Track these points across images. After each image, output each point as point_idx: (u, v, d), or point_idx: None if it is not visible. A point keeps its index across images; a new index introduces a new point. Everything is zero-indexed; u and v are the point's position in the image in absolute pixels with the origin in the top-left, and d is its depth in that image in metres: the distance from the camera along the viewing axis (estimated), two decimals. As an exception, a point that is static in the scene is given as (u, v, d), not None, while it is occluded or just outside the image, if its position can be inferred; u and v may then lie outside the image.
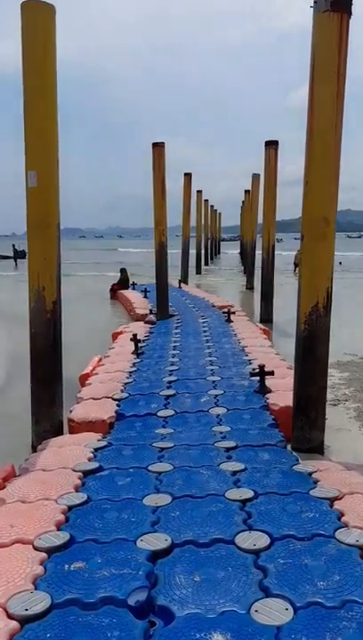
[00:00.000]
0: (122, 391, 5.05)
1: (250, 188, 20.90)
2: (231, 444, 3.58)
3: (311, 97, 3.55)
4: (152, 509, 2.65)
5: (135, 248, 64.93)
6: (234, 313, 9.50)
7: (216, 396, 4.77)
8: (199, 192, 25.05)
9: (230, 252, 47.36)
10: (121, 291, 15.13)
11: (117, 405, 4.67)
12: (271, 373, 4.86)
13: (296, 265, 26.77)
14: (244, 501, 2.70)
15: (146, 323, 9.18)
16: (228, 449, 3.50)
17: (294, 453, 3.55)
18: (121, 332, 8.51)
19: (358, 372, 6.78)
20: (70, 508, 2.69)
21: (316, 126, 3.57)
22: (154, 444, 3.61)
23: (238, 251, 41.92)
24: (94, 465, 3.23)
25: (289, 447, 3.99)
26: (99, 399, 4.88)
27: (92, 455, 3.44)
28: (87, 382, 5.52)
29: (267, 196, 10.82)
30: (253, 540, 2.32)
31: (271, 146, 10.70)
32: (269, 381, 4.90)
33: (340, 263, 34.57)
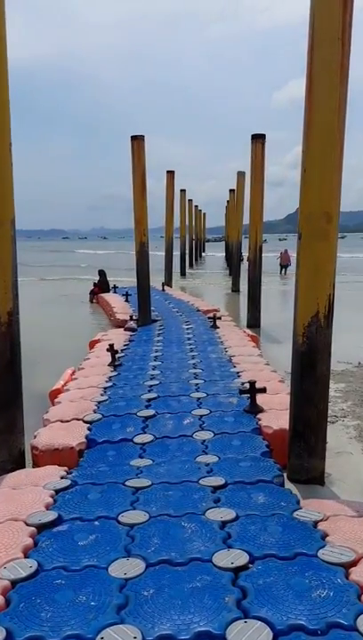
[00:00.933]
0: (95, 411, 4.45)
1: (235, 188, 20.45)
2: (219, 481, 3.01)
3: (310, 67, 3.01)
4: (120, 584, 2.06)
5: (93, 250, 64.93)
6: (220, 318, 8.94)
7: (201, 416, 4.20)
8: (183, 191, 24.50)
9: (215, 253, 46.89)
10: (101, 294, 14.49)
11: (89, 429, 4.07)
12: (263, 390, 4.31)
13: (282, 266, 26.43)
14: (237, 570, 2.13)
15: (126, 330, 8.58)
16: (215, 488, 2.93)
17: (294, 492, 2.99)
18: (98, 341, 7.89)
19: (354, 382, 6.28)
20: (14, 583, 2.08)
21: (315, 102, 3.03)
22: (127, 483, 3.02)
23: (223, 252, 41.54)
24: (52, 516, 2.63)
25: (285, 475, 3.46)
26: (68, 421, 4.28)
27: (51, 500, 2.84)
28: (57, 400, 4.91)
29: (254, 192, 10.31)
30: (251, 634, 1.75)
31: (258, 139, 10.18)
32: (260, 398, 4.35)
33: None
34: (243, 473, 3.12)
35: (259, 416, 4.13)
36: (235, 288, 17.99)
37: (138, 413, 4.33)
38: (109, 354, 6.13)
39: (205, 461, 3.35)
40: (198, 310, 10.98)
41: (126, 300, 12.77)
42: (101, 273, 15.61)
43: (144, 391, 4.96)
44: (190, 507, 2.69)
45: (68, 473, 3.28)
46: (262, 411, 4.22)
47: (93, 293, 15.03)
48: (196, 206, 37.49)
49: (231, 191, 25.76)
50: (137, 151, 9.83)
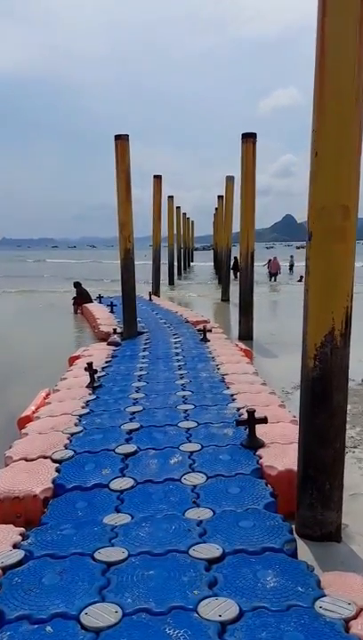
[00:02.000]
0: (66, 446, 3.76)
1: (223, 193, 19.90)
2: (215, 550, 2.35)
3: (322, 31, 2.41)
4: None
5: (66, 259, 64.86)
6: (210, 330, 8.31)
7: (191, 453, 3.54)
8: (171, 197, 23.96)
9: (203, 262, 46.41)
10: (86, 304, 13.78)
11: (57, 470, 3.39)
12: (264, 421, 3.66)
13: (272, 274, 25.95)
14: None
15: (109, 344, 7.89)
16: (210, 562, 2.27)
17: (310, 565, 2.33)
18: (79, 357, 7.20)
19: (360, 403, 5.67)
20: None
21: (328, 71, 2.43)
22: (97, 555, 2.35)
23: (211, 261, 41.03)
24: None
25: (294, 529, 2.81)
26: (33, 460, 3.59)
27: (-6, 584, 2.15)
28: (23, 431, 4.21)
29: (245, 195, 9.74)
30: None
31: (249, 139, 9.63)
32: (260, 429, 3.71)
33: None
34: (244, 537, 2.46)
35: (260, 452, 3.48)
36: (225, 297, 17.39)
37: (116, 449, 3.65)
38: (89, 373, 5.46)
39: (196, 517, 2.69)
40: (187, 321, 10.35)
41: (111, 311, 12.10)
42: (77, 284, 14.92)
43: (125, 420, 4.28)
44: (178, 596, 2.02)
45: (23, 537, 2.59)
46: (262, 445, 3.57)
47: (77, 304, 14.32)
48: (184, 214, 37.02)
49: (220, 197, 25.30)
50: (121, 151, 9.25)
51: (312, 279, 2.78)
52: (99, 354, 7.23)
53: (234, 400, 4.73)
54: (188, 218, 41.27)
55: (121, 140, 9.25)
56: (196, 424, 4.09)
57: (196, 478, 3.17)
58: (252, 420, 3.61)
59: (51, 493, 3.16)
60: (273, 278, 25.74)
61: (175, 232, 28.01)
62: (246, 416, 3.74)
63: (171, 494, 2.98)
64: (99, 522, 2.69)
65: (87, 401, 4.88)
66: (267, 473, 3.22)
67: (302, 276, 26.83)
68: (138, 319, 10.52)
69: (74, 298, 14.61)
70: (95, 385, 5.34)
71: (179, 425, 4.08)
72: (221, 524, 2.58)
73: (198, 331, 8.46)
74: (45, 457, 3.62)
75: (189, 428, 4.01)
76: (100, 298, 14.52)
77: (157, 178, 17.38)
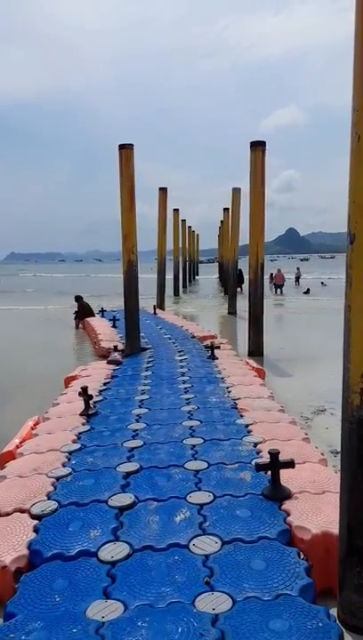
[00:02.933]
0: (49, 495, 3.12)
1: (229, 206, 19.35)
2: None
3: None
4: None
5: (50, 272, 64.84)
6: (218, 347, 7.67)
7: (201, 507, 2.87)
8: (176, 210, 23.50)
9: (208, 275, 45.84)
10: (88, 319, 13.19)
11: (35, 530, 2.74)
12: (290, 465, 2.99)
13: (277, 286, 25.29)
14: None
15: (109, 363, 7.26)
16: None
17: None
18: (75, 377, 6.57)
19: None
20: None
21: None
22: None
23: (216, 274, 40.46)
24: None
25: (336, 615, 2.15)
26: (8, 514, 2.95)
27: None
28: (2, 473, 3.57)
29: (254, 206, 9.16)
30: None
31: (258, 147, 9.09)
32: (285, 473, 3.04)
33: (322, 283, 33.46)
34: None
35: (286, 505, 2.81)
36: (231, 310, 16.76)
37: (110, 500, 2.99)
38: (83, 399, 4.82)
39: (211, 610, 2.02)
40: (193, 337, 9.72)
41: (114, 326, 11.49)
42: (78, 298, 14.34)
43: (122, 458, 3.63)
44: None
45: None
46: (289, 496, 2.90)
47: (78, 318, 13.74)
48: (189, 227, 36.62)
49: (226, 210, 24.84)
50: (125, 161, 8.76)
51: (356, 293, 2.15)
52: (97, 374, 6.60)
53: (250, 432, 4.06)
54: (193, 231, 40.88)
55: (125, 150, 8.76)
56: (206, 465, 3.42)
57: (207, 544, 2.50)
58: (276, 465, 2.94)
59: (25, 563, 2.51)
60: (279, 290, 25.12)
61: (180, 245, 27.52)
62: (266, 457, 3.08)
63: (176, 570, 2.32)
64: (80, 614, 2.03)
65: (80, 433, 4.22)
66: (298, 537, 2.55)
67: (308, 289, 26.08)
68: (141, 334, 9.91)
69: (75, 312, 14.04)
70: (90, 412, 4.70)
71: (186, 466, 3.42)
72: (245, 624, 1.91)
73: (206, 347, 7.82)
74: (23, 510, 2.97)
75: (197, 471, 3.34)
76: (102, 312, 13.93)
77: (163, 190, 16.91)
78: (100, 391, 5.61)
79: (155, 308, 14.22)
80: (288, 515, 2.72)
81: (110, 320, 11.87)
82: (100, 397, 5.31)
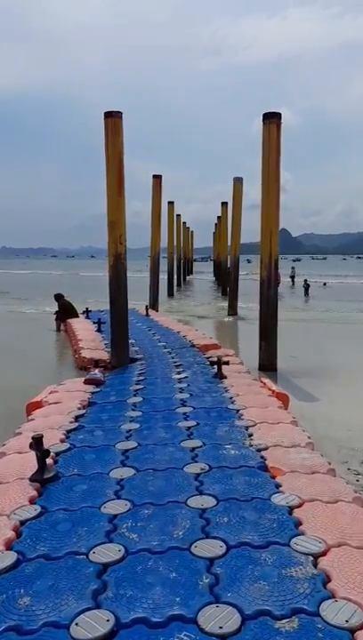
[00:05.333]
0: None
1: (225, 202, 17.77)
2: None
3: None
4: None
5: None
6: (227, 363, 6.10)
7: None
8: (171, 203, 21.87)
9: (202, 273, 44.18)
10: (70, 320, 11.57)
11: None
12: None
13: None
14: None
15: (87, 383, 5.66)
16: None
17: None
18: (40, 404, 4.97)
19: None
20: None
21: None
22: None
23: (211, 273, 38.89)
24: None
25: None
26: None
27: None
28: None
29: (267, 191, 7.59)
30: None
31: (272, 120, 7.54)
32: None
33: (324, 284, 32.08)
34: None
35: None
36: (232, 312, 15.23)
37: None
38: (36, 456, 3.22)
39: None
40: (193, 345, 8.15)
41: (99, 330, 9.88)
42: (59, 297, 12.70)
43: (90, 578, 2.06)
44: None
45: None
46: None
47: (60, 319, 12.11)
48: (184, 222, 35.04)
49: (224, 204, 23.29)
50: (112, 132, 7.20)
51: None
52: (69, 399, 5.01)
53: (298, 525, 2.50)
54: (188, 227, 39.30)
55: (112, 119, 7.19)
56: (236, 617, 1.85)
57: None
58: None
59: None
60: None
61: (175, 241, 25.90)
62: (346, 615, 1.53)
63: None
64: None
65: (24, 521, 2.63)
66: None
67: (307, 287, 24.50)
68: (131, 341, 8.34)
69: (56, 312, 12.40)
70: (46, 477, 3.10)
71: (200, 623, 1.84)
72: None
73: (211, 363, 6.25)
74: None
75: (221, 634, 1.77)
76: (87, 312, 12.29)
77: (157, 178, 15.29)
78: (68, 432, 4.01)
79: (147, 309, 12.63)
80: None
81: (95, 323, 10.24)
82: (66, 445, 3.70)
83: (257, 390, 5.23)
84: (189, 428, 4.04)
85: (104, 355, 7.74)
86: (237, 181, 14.58)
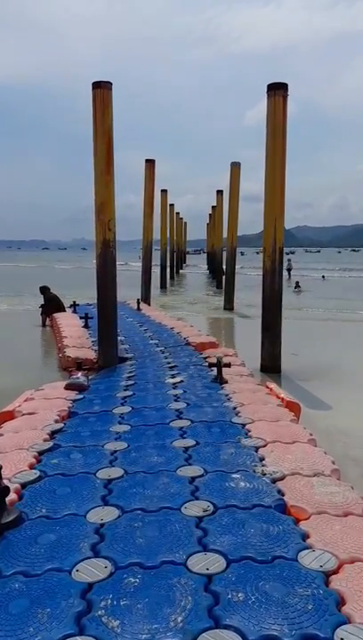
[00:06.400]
0: None
1: (220, 193, 16.96)
2: None
3: None
4: None
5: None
6: (228, 365, 5.40)
7: None
8: (164, 191, 21.05)
9: (195, 266, 43.29)
10: (56, 314, 10.82)
11: None
12: None
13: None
14: None
15: (68, 388, 4.94)
16: None
17: None
18: (12, 414, 4.25)
19: None
20: None
21: None
22: None
23: (205, 265, 38.13)
24: None
25: None
26: None
27: None
28: None
29: (272, 172, 6.87)
30: None
31: (278, 92, 6.80)
32: None
33: (323, 277, 31.49)
34: None
35: None
36: (229, 306, 14.53)
37: None
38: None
39: None
40: (188, 344, 7.45)
41: (86, 325, 9.14)
42: (44, 290, 11.92)
43: None
44: None
45: None
46: None
47: (45, 313, 11.34)
48: (177, 213, 34.20)
49: (219, 192, 22.54)
50: (101, 105, 6.50)
51: None
52: (47, 408, 4.30)
53: (341, 602, 1.83)
54: (181, 218, 38.46)
55: (101, 89, 6.46)
56: None
57: None
58: None
59: None
60: None
61: (168, 232, 25.10)
62: None
63: None
64: None
65: (-36, 595, 1.93)
66: None
67: (297, 282, 23.91)
68: (121, 337, 7.66)
69: (42, 306, 11.62)
70: (4, 522, 2.39)
71: None
72: None
73: (210, 365, 5.56)
74: None
75: None
76: (74, 306, 11.52)
77: (150, 162, 14.48)
78: (40, 454, 3.30)
79: (139, 303, 11.91)
80: None
81: (82, 318, 9.49)
82: (35, 474, 2.99)
83: (264, 398, 4.55)
84: (186, 448, 3.34)
85: (90, 354, 7.03)
86: (235, 166, 13.80)
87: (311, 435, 3.62)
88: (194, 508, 2.54)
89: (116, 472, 2.99)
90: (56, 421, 3.96)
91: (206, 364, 5.96)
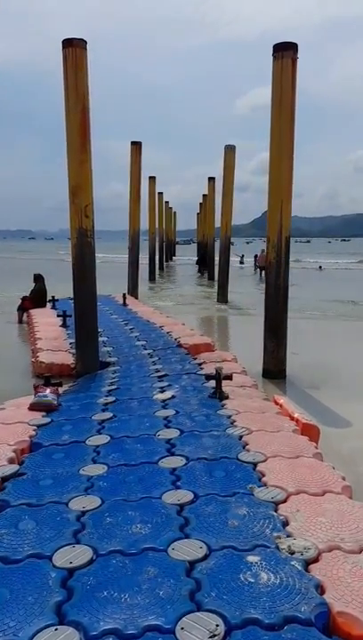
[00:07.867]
0: None
1: (208, 192, 15.90)
2: None
3: None
4: None
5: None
6: (229, 377, 4.50)
7: None
8: (152, 178, 19.98)
9: (184, 257, 42.15)
10: (31, 311, 9.83)
11: None
12: None
13: (261, 268, 22.18)
14: None
15: (33, 409, 4.00)
16: None
17: None
18: None
19: None
20: None
21: None
22: None
23: (194, 256, 37.09)
24: None
25: None
26: None
27: None
28: None
29: (278, 147, 5.94)
30: None
31: (287, 53, 5.84)
32: None
33: (320, 267, 30.72)
34: None
35: None
36: (222, 299, 13.64)
37: None
38: None
39: None
40: (180, 345, 6.56)
41: (64, 324, 8.17)
42: (38, 278, 10.97)
43: None
44: None
45: None
46: None
47: (23, 309, 10.34)
48: (166, 202, 33.08)
49: (211, 179, 21.53)
50: (72, 66, 5.49)
51: None
52: (1, 441, 3.37)
53: None
54: (170, 207, 37.32)
55: (73, 48, 5.47)
56: None
57: None
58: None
59: None
60: (262, 272, 22.14)
61: (157, 221, 24.05)
62: None
63: None
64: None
65: None
66: None
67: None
68: (103, 338, 6.76)
69: (23, 297, 10.59)
70: None
71: None
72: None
73: (206, 377, 4.66)
74: None
75: None
76: (53, 301, 10.53)
77: (136, 145, 13.44)
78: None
79: (125, 297, 10.95)
80: None
81: (60, 316, 8.51)
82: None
83: (276, 422, 3.66)
84: (181, 506, 2.45)
85: (68, 358, 6.11)
86: (230, 149, 12.84)
87: (345, 481, 2.75)
88: (196, 633, 1.65)
89: (81, 555, 2.08)
90: (10, 460, 3.04)
91: (202, 371, 5.09)
